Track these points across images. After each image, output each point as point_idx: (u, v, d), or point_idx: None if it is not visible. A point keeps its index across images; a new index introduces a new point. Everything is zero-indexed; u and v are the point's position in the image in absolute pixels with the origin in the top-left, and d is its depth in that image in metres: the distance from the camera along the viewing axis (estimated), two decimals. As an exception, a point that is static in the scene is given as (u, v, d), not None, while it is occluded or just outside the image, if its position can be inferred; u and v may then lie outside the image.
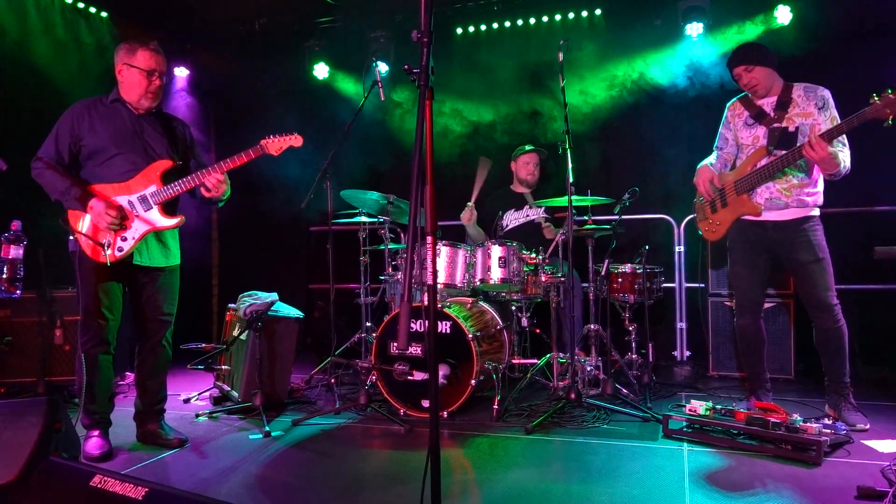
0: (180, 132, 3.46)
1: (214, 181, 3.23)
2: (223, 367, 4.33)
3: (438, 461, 1.81)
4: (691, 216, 5.46)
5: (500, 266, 4.00)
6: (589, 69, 5.54)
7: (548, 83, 5.52)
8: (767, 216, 3.54)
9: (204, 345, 4.42)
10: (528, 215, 5.00)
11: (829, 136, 3.17)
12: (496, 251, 4.02)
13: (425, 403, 3.75)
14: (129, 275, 3.27)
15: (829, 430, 3.00)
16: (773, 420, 3.04)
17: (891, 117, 2.95)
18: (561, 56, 3.78)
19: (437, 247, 4.04)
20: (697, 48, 5.34)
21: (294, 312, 4.22)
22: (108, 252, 3.05)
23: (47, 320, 4.32)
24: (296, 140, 3.32)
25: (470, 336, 3.70)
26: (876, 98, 3.00)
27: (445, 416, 3.74)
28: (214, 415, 3.92)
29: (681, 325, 5.52)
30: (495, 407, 3.73)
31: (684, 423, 3.33)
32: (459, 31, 6.06)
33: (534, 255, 4.12)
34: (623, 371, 4.39)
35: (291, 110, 6.37)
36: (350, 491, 2.75)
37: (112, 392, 3.34)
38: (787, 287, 4.63)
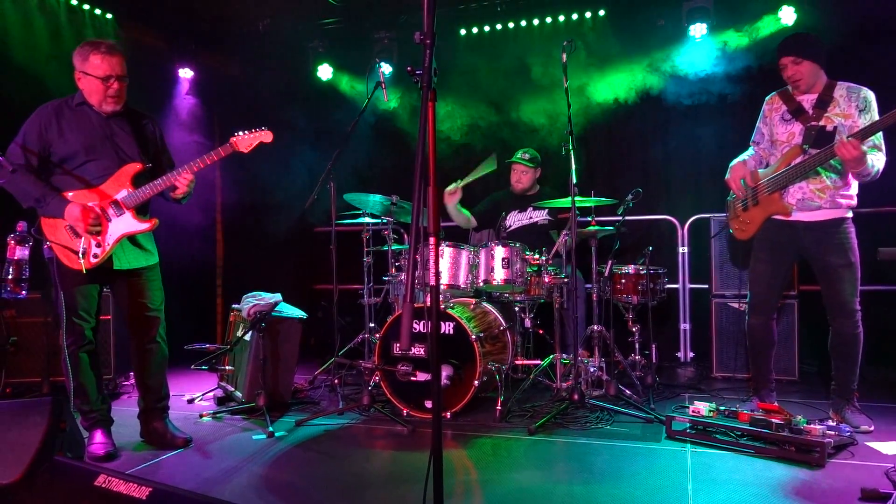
0: (150, 131, 3.41)
1: (185, 182, 3.22)
2: (227, 367, 4.34)
3: (440, 462, 1.81)
4: (695, 217, 5.46)
5: (503, 267, 4.00)
6: (592, 70, 5.53)
7: (551, 84, 5.52)
8: (799, 216, 3.47)
9: (208, 345, 4.43)
10: (531, 217, 5.00)
11: (863, 135, 3.13)
12: (499, 252, 4.02)
13: (428, 404, 3.75)
14: (109, 279, 3.28)
15: (832, 432, 2.99)
16: (776, 421, 3.04)
17: None
18: (564, 57, 3.77)
19: (441, 248, 4.04)
20: (701, 49, 5.32)
21: (297, 313, 4.23)
22: (83, 259, 3.05)
23: (52, 321, 4.33)
24: (266, 136, 3.30)
25: (473, 337, 3.70)
26: None
27: (448, 416, 3.74)
28: (218, 415, 3.93)
29: (684, 326, 5.51)
30: (498, 408, 3.73)
31: (687, 425, 3.33)
32: (463, 31, 6.07)
33: (537, 256, 4.12)
34: (626, 372, 4.39)
35: (295, 111, 6.39)
36: (353, 491, 2.75)
37: (103, 388, 3.35)
38: (792, 287, 4.61)
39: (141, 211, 3.26)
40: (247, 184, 6.33)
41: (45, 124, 3.12)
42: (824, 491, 2.62)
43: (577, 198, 3.73)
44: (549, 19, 5.80)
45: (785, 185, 3.47)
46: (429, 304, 1.75)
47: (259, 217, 6.36)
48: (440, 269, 3.99)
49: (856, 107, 3.38)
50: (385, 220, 4.65)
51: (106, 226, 3.14)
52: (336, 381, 4.43)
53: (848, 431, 3.09)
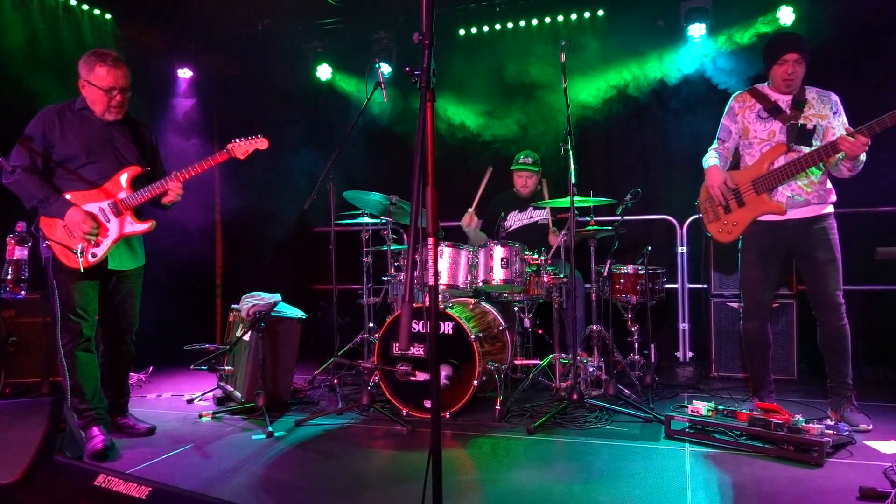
0: (147, 138, 3.54)
1: (177, 189, 3.34)
2: (226, 367, 4.34)
3: (440, 462, 1.82)
4: (694, 217, 5.46)
5: (502, 267, 4.01)
6: (591, 70, 5.53)
7: (550, 84, 5.52)
8: (789, 214, 3.48)
9: (207, 345, 4.43)
10: (531, 216, 5.00)
11: (871, 130, 3.15)
12: (498, 252, 4.02)
13: (428, 404, 3.75)
14: (102, 277, 3.37)
15: (831, 431, 2.99)
16: (775, 421, 3.04)
17: None
18: (563, 57, 3.78)
19: (440, 248, 4.05)
20: (700, 49, 5.33)
21: (297, 313, 4.23)
22: (82, 258, 3.14)
23: (52, 321, 4.32)
24: (261, 143, 3.45)
25: (472, 337, 3.70)
26: None
27: (448, 416, 3.75)
28: (217, 415, 3.93)
29: (683, 325, 5.52)
30: (497, 407, 3.73)
31: (686, 424, 3.33)
32: (462, 32, 6.07)
33: (536, 256, 4.12)
34: (625, 372, 4.39)
35: (294, 112, 6.39)
36: (352, 491, 2.75)
37: (99, 388, 3.39)
38: (790, 287, 4.62)
39: (138, 213, 3.36)
40: (246, 184, 6.33)
41: (48, 126, 3.21)
42: (823, 490, 2.62)
43: (575, 198, 3.73)
44: (547, 19, 5.80)
45: (776, 185, 3.48)
46: (428, 304, 1.75)
47: (258, 217, 6.36)
48: (439, 270, 4.03)
49: (829, 109, 3.46)
50: (384, 221, 4.65)
51: (105, 227, 3.24)
52: (335, 381, 4.43)
53: (846, 430, 3.10)
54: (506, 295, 4.38)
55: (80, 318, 3.23)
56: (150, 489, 1.74)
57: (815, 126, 3.42)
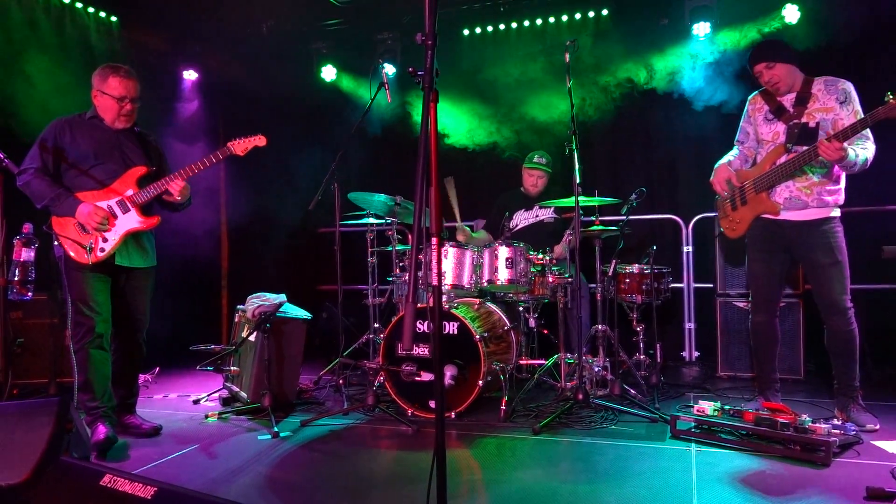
0: (154, 144, 3.69)
1: (178, 188, 3.44)
2: (232, 368, 4.35)
3: (444, 463, 1.82)
4: (700, 216, 5.45)
5: (507, 267, 4.00)
6: (596, 69, 5.52)
7: (555, 83, 5.52)
8: (786, 216, 3.48)
9: (213, 346, 4.45)
10: (537, 215, 5.00)
11: (844, 135, 3.14)
12: (503, 252, 4.02)
13: (433, 404, 3.75)
14: (112, 275, 3.46)
15: (838, 431, 2.98)
16: (781, 420, 3.03)
17: None
18: (568, 56, 3.77)
19: (445, 248, 4.05)
20: (705, 47, 5.32)
21: (302, 314, 4.24)
22: (90, 254, 3.25)
23: (59, 322, 4.35)
24: (260, 140, 3.56)
25: (477, 337, 3.70)
26: (890, 96, 2.98)
27: (453, 416, 3.75)
28: (224, 415, 3.94)
29: (689, 325, 5.51)
30: (503, 407, 3.73)
31: (692, 424, 3.32)
32: (466, 32, 6.07)
33: (541, 256, 4.12)
34: (631, 372, 4.38)
35: (299, 112, 6.41)
36: (358, 491, 2.76)
37: (109, 386, 3.44)
38: (797, 287, 4.60)
39: (145, 210, 3.47)
40: (251, 185, 6.35)
41: (59, 132, 3.39)
42: (830, 490, 2.61)
43: (580, 197, 3.73)
44: (552, 19, 5.80)
45: (771, 185, 3.50)
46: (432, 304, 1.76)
47: (264, 218, 6.37)
48: (444, 270, 4.03)
49: (835, 99, 3.39)
50: (389, 221, 4.65)
51: (113, 222, 3.36)
52: (341, 381, 4.43)
53: (853, 430, 3.08)
54: (511, 295, 4.37)
55: (94, 311, 3.32)
56: (155, 489, 1.74)
57: (818, 122, 3.38)
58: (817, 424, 2.97)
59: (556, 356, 4.13)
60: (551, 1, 5.74)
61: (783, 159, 3.45)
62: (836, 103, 3.38)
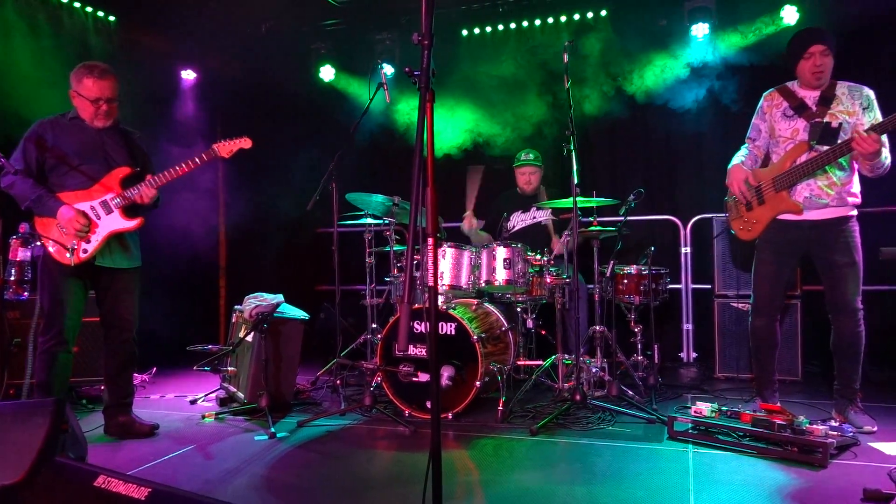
0: (138, 144, 3.66)
1: (151, 192, 3.46)
2: (229, 368, 4.34)
3: (439, 465, 1.81)
4: (698, 217, 5.45)
5: (505, 267, 4.00)
6: (594, 70, 5.52)
7: (553, 84, 5.52)
8: (807, 215, 3.43)
9: (210, 346, 4.44)
10: (534, 217, 4.99)
11: (883, 129, 3.11)
12: (501, 253, 4.02)
13: (430, 405, 3.74)
14: (92, 277, 3.47)
15: (835, 432, 2.98)
16: (778, 422, 3.03)
17: None
18: (566, 57, 3.77)
19: (442, 248, 4.05)
20: (703, 49, 5.31)
21: (299, 314, 4.23)
22: (73, 255, 3.25)
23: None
24: (245, 143, 3.59)
25: (475, 337, 3.70)
26: None
27: (450, 417, 3.74)
28: (220, 416, 3.94)
29: (687, 326, 5.50)
30: (500, 408, 3.73)
31: (690, 425, 3.32)
32: (465, 32, 6.07)
33: (539, 257, 4.12)
34: (628, 373, 4.38)
35: (297, 112, 6.41)
36: (355, 492, 2.75)
37: (67, 388, 3.47)
38: (795, 288, 4.60)
39: (128, 211, 3.47)
40: (250, 185, 6.35)
41: (42, 133, 3.40)
42: (827, 492, 2.61)
43: (579, 198, 3.72)
44: (550, 20, 5.79)
45: (794, 183, 3.43)
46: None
47: (262, 218, 6.37)
48: (442, 270, 4.03)
49: (859, 105, 3.37)
50: (387, 221, 4.65)
51: (95, 224, 3.37)
52: (338, 381, 4.43)
53: (851, 432, 3.08)
54: (508, 296, 4.37)
55: (65, 315, 3.34)
56: (149, 490, 1.74)
57: (840, 124, 3.34)
58: (815, 426, 2.97)
59: (553, 357, 4.13)
60: (550, 2, 5.74)
61: (804, 157, 3.39)
62: (860, 108, 3.36)
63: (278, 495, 2.70)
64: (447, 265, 4.02)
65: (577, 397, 3.64)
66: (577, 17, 5.72)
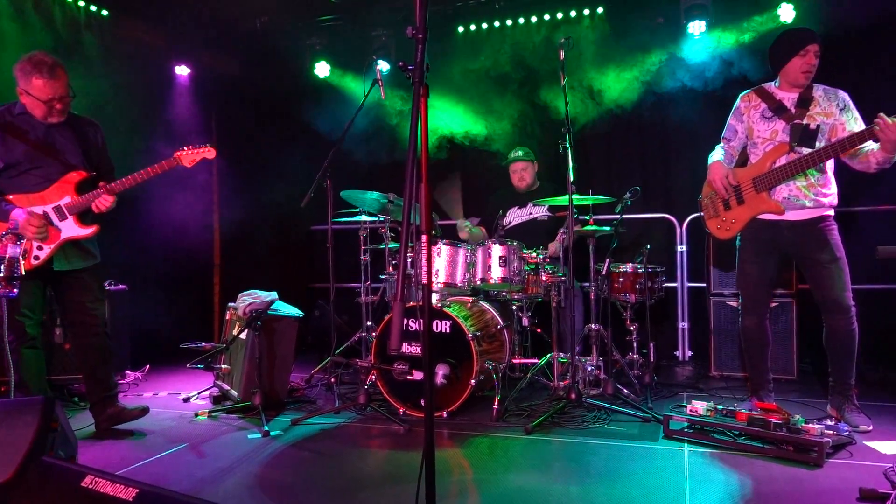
0: (92, 137, 3.52)
1: (108, 199, 3.37)
2: (223, 366, 4.32)
3: (433, 464, 1.79)
4: (694, 215, 5.44)
5: (500, 265, 3.98)
6: (590, 67, 5.50)
7: (549, 81, 5.50)
8: (785, 216, 3.44)
9: (204, 344, 4.42)
10: (531, 213, 4.98)
11: None
12: (497, 250, 4.00)
13: (424, 403, 3.72)
14: (51, 278, 3.40)
15: (831, 431, 2.97)
16: (774, 421, 3.02)
17: None
18: (562, 54, 3.75)
19: (438, 246, 4.02)
20: (700, 46, 5.30)
21: (293, 311, 4.21)
22: (24, 260, 3.16)
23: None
24: (209, 153, 3.51)
25: (470, 336, 3.68)
26: None
27: (445, 415, 3.72)
28: (214, 414, 3.91)
29: (683, 324, 5.50)
30: (495, 407, 3.71)
31: (685, 424, 3.31)
32: (461, 29, 6.04)
33: (535, 254, 4.10)
34: (624, 371, 4.37)
35: (293, 109, 6.37)
36: (348, 491, 2.73)
37: (45, 384, 3.45)
38: (790, 286, 4.59)
39: (83, 217, 3.39)
40: (244, 182, 6.31)
41: None
42: (822, 491, 2.60)
43: (574, 196, 3.71)
44: (546, 17, 5.77)
45: (775, 184, 3.44)
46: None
47: (256, 215, 6.34)
48: (437, 268, 4.00)
49: (836, 106, 3.40)
50: (382, 219, 4.62)
51: (50, 230, 3.28)
52: (333, 379, 4.41)
53: (846, 431, 3.07)
54: (504, 293, 4.35)
55: (25, 316, 3.29)
56: (137, 490, 1.71)
57: (818, 126, 3.36)
58: (810, 425, 2.96)
59: (549, 355, 4.12)
60: (546, -1, 5.72)
61: (784, 159, 3.40)
62: (837, 109, 3.39)
63: (270, 495, 2.68)
64: (442, 262, 4.00)
65: (573, 396, 3.62)
66: (573, 14, 5.70)
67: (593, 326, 4.21)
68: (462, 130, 5.88)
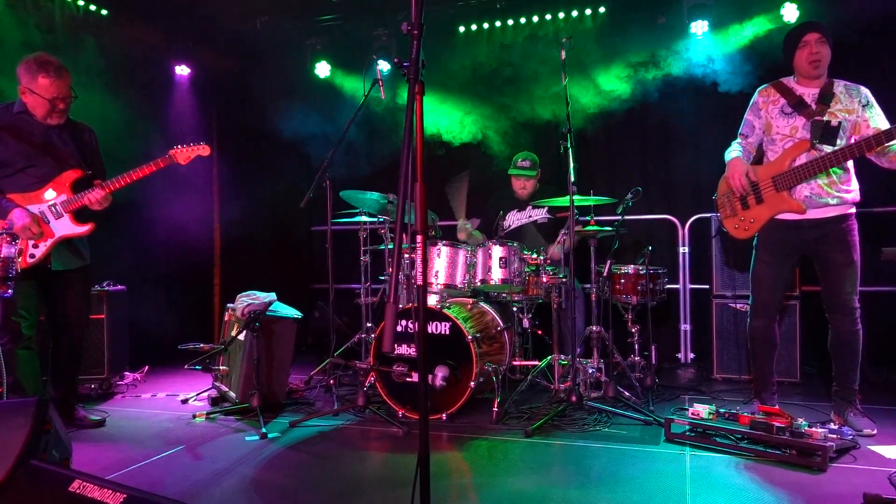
0: (87, 139, 3.60)
1: (102, 195, 3.40)
2: (221, 367, 4.29)
3: (428, 469, 1.76)
4: (696, 216, 5.41)
5: (500, 266, 3.95)
6: (592, 68, 5.47)
7: (550, 81, 5.46)
8: (808, 214, 3.36)
9: (202, 345, 4.39)
10: (530, 216, 4.94)
11: None
12: (497, 251, 3.97)
13: (419, 406, 3.69)
14: (45, 278, 3.44)
15: (834, 436, 2.94)
16: (777, 424, 2.98)
17: None
18: (563, 54, 3.72)
19: (438, 247, 3.99)
20: (702, 46, 5.26)
21: (292, 313, 4.18)
22: (20, 259, 3.22)
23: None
24: (203, 150, 3.55)
25: (469, 337, 3.65)
26: None
27: (444, 418, 3.69)
28: (212, 416, 3.88)
29: (685, 326, 5.46)
30: (495, 409, 3.68)
31: (687, 427, 3.27)
32: (462, 29, 6.01)
33: (535, 256, 4.06)
34: (625, 373, 4.33)
35: (293, 109, 6.34)
36: (346, 494, 2.70)
37: (40, 385, 3.46)
38: (794, 289, 4.55)
39: (79, 215, 3.43)
40: (244, 182, 6.29)
41: None
42: (826, 496, 2.56)
43: (575, 197, 3.67)
44: (548, 16, 5.74)
45: (796, 183, 3.34)
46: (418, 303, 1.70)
47: (256, 216, 6.32)
48: (437, 269, 3.97)
49: (858, 102, 3.33)
50: (381, 219, 4.60)
51: (46, 229, 3.33)
52: (332, 381, 4.38)
53: (850, 435, 3.04)
54: (504, 295, 4.32)
55: (21, 317, 3.31)
56: (125, 496, 1.68)
57: (840, 122, 3.29)
58: (814, 429, 2.92)
59: (549, 357, 4.08)
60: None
61: (804, 157, 3.32)
62: (859, 106, 3.32)
63: (267, 498, 2.65)
64: (442, 264, 3.97)
65: (573, 398, 3.59)
66: (574, 13, 5.66)
67: (594, 328, 4.17)
68: (459, 130, 5.85)
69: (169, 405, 4.21)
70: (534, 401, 4.01)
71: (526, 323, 4.31)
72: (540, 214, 4.90)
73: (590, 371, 4.03)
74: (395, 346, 3.77)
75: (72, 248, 3.49)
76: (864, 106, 3.32)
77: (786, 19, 4.98)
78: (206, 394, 4.34)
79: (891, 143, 3.14)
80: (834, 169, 3.31)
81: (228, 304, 4.40)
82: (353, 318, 5.67)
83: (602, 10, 5.56)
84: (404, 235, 3.93)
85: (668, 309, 5.43)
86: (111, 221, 3.74)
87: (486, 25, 5.95)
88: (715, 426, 3.18)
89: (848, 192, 3.34)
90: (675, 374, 5.00)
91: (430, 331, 3.79)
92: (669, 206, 5.62)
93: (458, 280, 3.98)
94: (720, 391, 4.37)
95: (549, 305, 4.15)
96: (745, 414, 3.15)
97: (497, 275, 3.95)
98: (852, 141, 3.28)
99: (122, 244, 5.08)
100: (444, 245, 3.99)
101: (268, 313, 3.96)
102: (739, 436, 3.09)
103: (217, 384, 4.31)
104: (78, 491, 1.75)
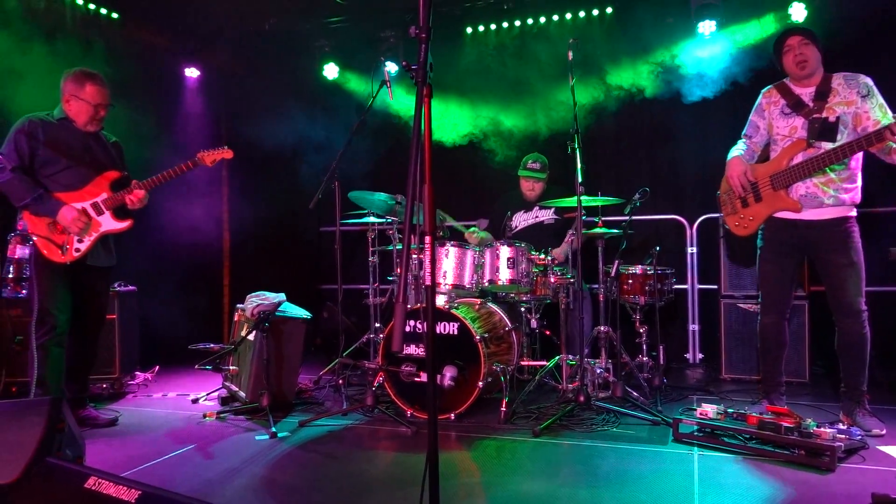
0: (116, 152, 3.82)
1: (141, 195, 3.61)
2: (231, 367, 4.32)
3: (436, 469, 1.77)
4: (704, 216, 5.40)
5: (508, 267, 3.96)
6: (600, 68, 5.47)
7: (557, 82, 5.47)
8: (803, 214, 3.37)
9: (212, 345, 4.42)
10: (537, 217, 4.95)
11: None
12: (505, 252, 3.98)
13: (428, 406, 3.71)
14: (79, 275, 3.56)
15: (843, 436, 2.93)
16: (785, 425, 2.98)
17: None
18: (571, 55, 3.73)
19: (446, 247, 4.01)
20: (711, 46, 5.26)
21: (301, 313, 4.20)
22: (66, 253, 3.40)
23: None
24: (227, 153, 3.76)
25: (477, 338, 3.66)
26: None
27: (452, 418, 3.71)
28: (222, 415, 3.91)
29: (693, 327, 5.45)
30: (503, 409, 3.69)
31: (695, 427, 3.27)
32: (469, 30, 6.03)
33: (543, 256, 4.07)
34: (633, 374, 4.33)
35: (301, 110, 6.38)
36: (355, 493, 2.72)
37: (62, 384, 3.52)
38: (803, 288, 4.54)
39: (119, 213, 3.61)
40: (253, 183, 6.33)
41: (32, 132, 3.46)
42: (834, 496, 2.56)
43: (583, 197, 3.68)
44: (555, 17, 5.75)
45: (792, 182, 3.37)
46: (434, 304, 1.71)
47: (265, 216, 6.35)
48: (445, 269, 3.99)
49: (857, 93, 3.30)
50: (390, 220, 4.62)
51: (96, 223, 3.52)
52: (340, 381, 4.40)
53: (859, 435, 3.03)
54: (512, 295, 4.33)
55: (59, 310, 3.43)
56: (139, 492, 1.71)
57: (838, 117, 3.28)
58: (822, 429, 2.92)
59: (557, 357, 4.09)
60: (556, -1, 5.69)
61: (801, 156, 3.34)
62: (858, 97, 3.29)
63: (277, 496, 2.68)
64: (450, 264, 3.98)
65: (581, 398, 3.60)
66: (582, 14, 5.67)
67: (602, 328, 4.18)
68: (466, 131, 5.86)
69: (180, 405, 4.25)
70: (542, 401, 4.02)
71: (534, 323, 4.32)
72: (547, 215, 4.91)
73: (598, 371, 4.04)
74: (404, 346, 3.79)
75: (107, 246, 3.67)
76: (863, 97, 3.29)
77: (794, 18, 4.96)
78: (216, 393, 4.38)
79: (891, 141, 3.11)
80: (833, 167, 3.30)
81: (238, 305, 4.43)
82: (362, 318, 5.69)
83: (609, 10, 5.57)
84: (412, 236, 3.94)
85: (677, 309, 5.42)
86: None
87: (493, 27, 5.97)
88: (723, 426, 3.18)
89: (847, 191, 3.33)
90: (683, 374, 4.99)
91: (438, 331, 3.80)
92: (677, 207, 5.61)
93: (466, 280, 4.00)
94: (728, 391, 4.36)
95: (556, 306, 4.16)
96: (754, 414, 3.15)
97: (505, 275, 3.96)
98: (859, 132, 3.27)
99: (133, 245, 5.10)
100: (452, 245, 4.01)
101: (277, 314, 3.99)
102: (748, 436, 3.09)
103: (227, 384, 4.34)
104: (94, 488, 1.78)
